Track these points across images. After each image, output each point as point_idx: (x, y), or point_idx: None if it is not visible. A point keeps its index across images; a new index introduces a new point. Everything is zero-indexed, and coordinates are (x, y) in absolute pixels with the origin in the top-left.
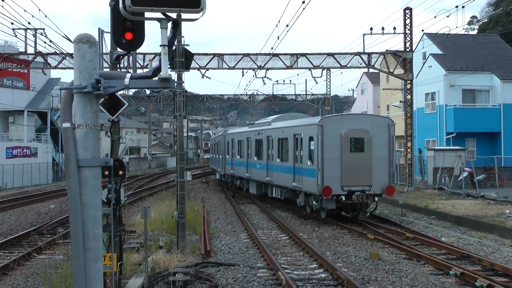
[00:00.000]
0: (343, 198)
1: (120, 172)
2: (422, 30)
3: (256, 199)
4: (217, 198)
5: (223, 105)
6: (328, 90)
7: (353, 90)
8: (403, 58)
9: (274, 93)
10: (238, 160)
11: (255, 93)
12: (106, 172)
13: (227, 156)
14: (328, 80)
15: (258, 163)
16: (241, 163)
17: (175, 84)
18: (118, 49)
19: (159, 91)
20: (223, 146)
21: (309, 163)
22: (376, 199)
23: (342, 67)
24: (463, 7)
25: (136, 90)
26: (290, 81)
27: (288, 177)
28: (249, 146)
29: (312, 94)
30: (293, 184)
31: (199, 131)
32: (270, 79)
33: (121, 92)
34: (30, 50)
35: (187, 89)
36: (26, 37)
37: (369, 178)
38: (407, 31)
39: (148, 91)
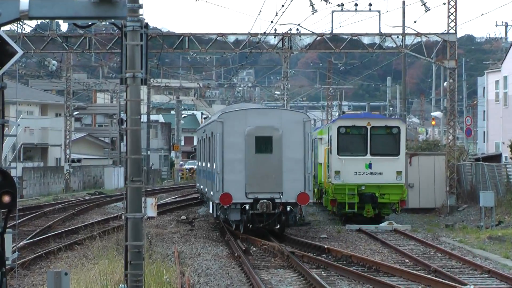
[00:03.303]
0: (247, 207)
1: (6, 198)
2: None
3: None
4: (211, 255)
5: (226, 56)
6: (452, 25)
7: (506, 25)
8: None
9: (333, 31)
10: (200, 167)
11: (293, 30)
12: None
13: (198, 164)
14: (453, 4)
15: (204, 169)
16: (200, 172)
17: (126, 11)
18: None
19: (90, 26)
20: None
21: (214, 166)
22: (288, 208)
23: None
24: None
25: (40, 22)
26: (370, 5)
27: (209, 185)
28: (203, 146)
29: (418, 34)
30: (211, 193)
31: (173, 112)
32: (326, 1)
33: (6, 28)
34: None
35: (150, 23)
36: None
37: (279, 183)
38: None
39: (65, 25)
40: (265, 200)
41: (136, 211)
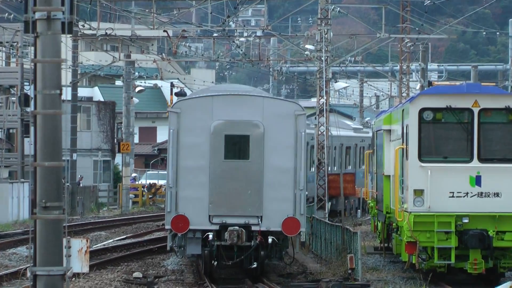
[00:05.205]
0: (211, 236)
1: None
2: None
3: None
4: None
5: None
6: None
7: None
8: None
9: None
10: None
11: None
12: None
13: None
14: None
15: None
16: None
17: None
18: None
19: None
20: None
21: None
22: (270, 239)
23: None
24: None
25: None
26: None
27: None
28: None
29: None
30: None
31: (120, 83)
32: None
33: None
34: None
35: None
36: None
37: (258, 203)
38: None
39: None
40: (237, 227)
41: (52, 262)
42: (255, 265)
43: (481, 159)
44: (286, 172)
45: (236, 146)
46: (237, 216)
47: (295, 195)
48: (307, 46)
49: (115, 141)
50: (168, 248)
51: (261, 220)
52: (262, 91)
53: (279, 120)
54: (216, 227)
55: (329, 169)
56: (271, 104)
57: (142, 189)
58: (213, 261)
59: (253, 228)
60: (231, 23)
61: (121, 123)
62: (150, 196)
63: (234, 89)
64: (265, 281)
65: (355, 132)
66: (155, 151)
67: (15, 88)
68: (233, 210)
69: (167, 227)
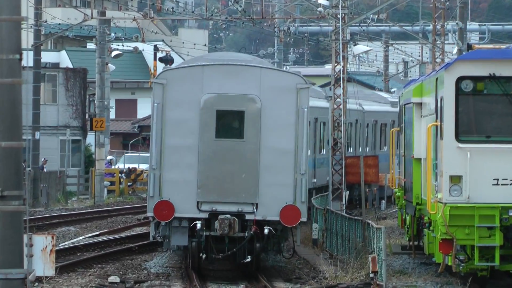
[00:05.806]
0: (199, 226)
1: None
2: None
3: None
4: None
5: None
6: None
7: None
8: None
9: None
10: None
11: None
12: None
13: None
14: None
15: None
16: None
17: None
18: None
19: None
20: None
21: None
22: (266, 230)
23: None
24: None
25: None
26: None
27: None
28: None
29: None
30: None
31: (92, 46)
32: None
33: None
34: None
35: None
36: None
37: (253, 189)
38: None
39: None
40: (229, 216)
41: (11, 264)
42: (249, 259)
43: None
44: (285, 154)
45: (229, 123)
46: (229, 203)
47: (295, 180)
48: (320, 1)
49: (87, 116)
50: (150, 238)
51: (256, 208)
52: (262, 60)
53: (279, 94)
54: (205, 215)
55: (360, 150)
56: (269, 76)
57: (120, 175)
58: (201, 254)
59: (247, 216)
60: None
61: (94, 94)
62: (129, 183)
63: (230, 57)
64: (268, 285)
65: (392, 106)
66: (135, 129)
67: None
68: (225, 196)
69: (149, 214)
